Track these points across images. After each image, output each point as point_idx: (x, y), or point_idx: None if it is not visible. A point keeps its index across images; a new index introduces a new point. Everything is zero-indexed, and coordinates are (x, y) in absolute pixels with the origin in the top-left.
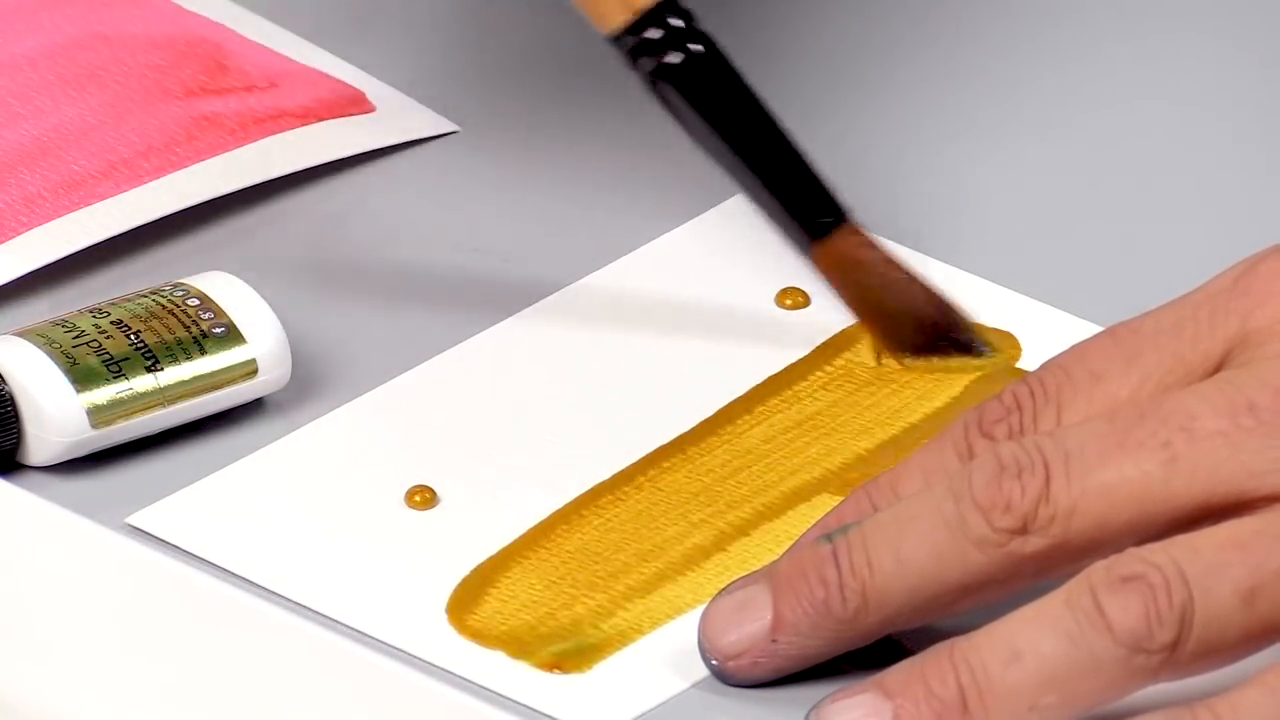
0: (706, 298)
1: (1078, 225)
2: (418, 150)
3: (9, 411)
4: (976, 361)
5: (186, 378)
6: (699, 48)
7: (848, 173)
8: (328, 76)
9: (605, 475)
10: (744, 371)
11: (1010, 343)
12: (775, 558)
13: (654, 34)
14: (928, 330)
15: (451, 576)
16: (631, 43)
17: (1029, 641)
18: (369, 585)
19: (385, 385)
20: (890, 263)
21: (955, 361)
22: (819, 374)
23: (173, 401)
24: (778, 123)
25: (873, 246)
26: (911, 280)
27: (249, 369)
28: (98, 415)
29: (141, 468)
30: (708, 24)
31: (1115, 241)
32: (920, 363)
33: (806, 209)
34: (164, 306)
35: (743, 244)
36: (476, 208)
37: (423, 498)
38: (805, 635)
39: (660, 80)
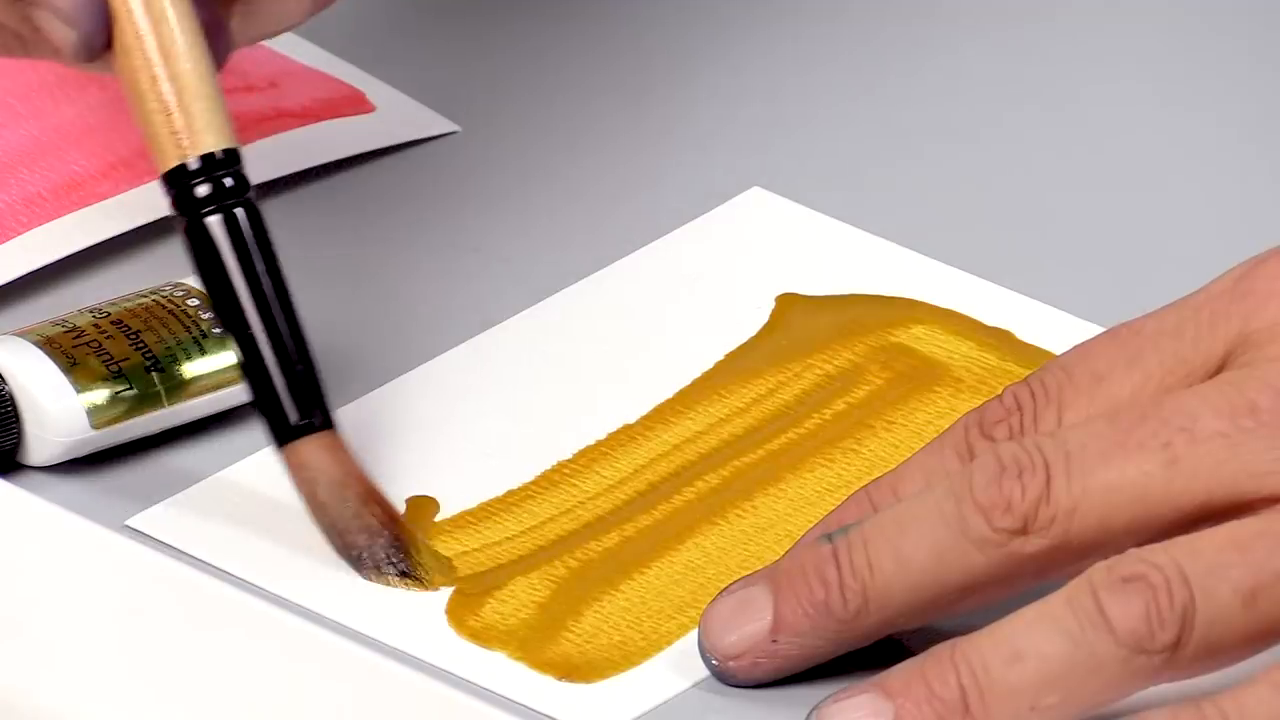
0: (707, 299)
1: (1078, 225)
2: (418, 150)
3: (9, 411)
4: (401, 583)
5: (186, 378)
6: (238, 212)
7: (848, 173)
8: (328, 76)
9: (606, 476)
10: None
11: (1010, 341)
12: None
13: (202, 188)
14: (355, 555)
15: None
16: (177, 189)
17: (1030, 642)
18: (369, 586)
19: (385, 385)
20: (346, 485)
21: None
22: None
23: (173, 402)
24: (292, 314)
25: (337, 460)
26: (354, 503)
27: None
28: (98, 415)
29: (141, 468)
30: (710, 23)
31: (1115, 241)
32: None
33: (278, 409)
34: (164, 306)
35: (743, 245)
36: (476, 208)
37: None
38: (805, 635)
39: (188, 234)
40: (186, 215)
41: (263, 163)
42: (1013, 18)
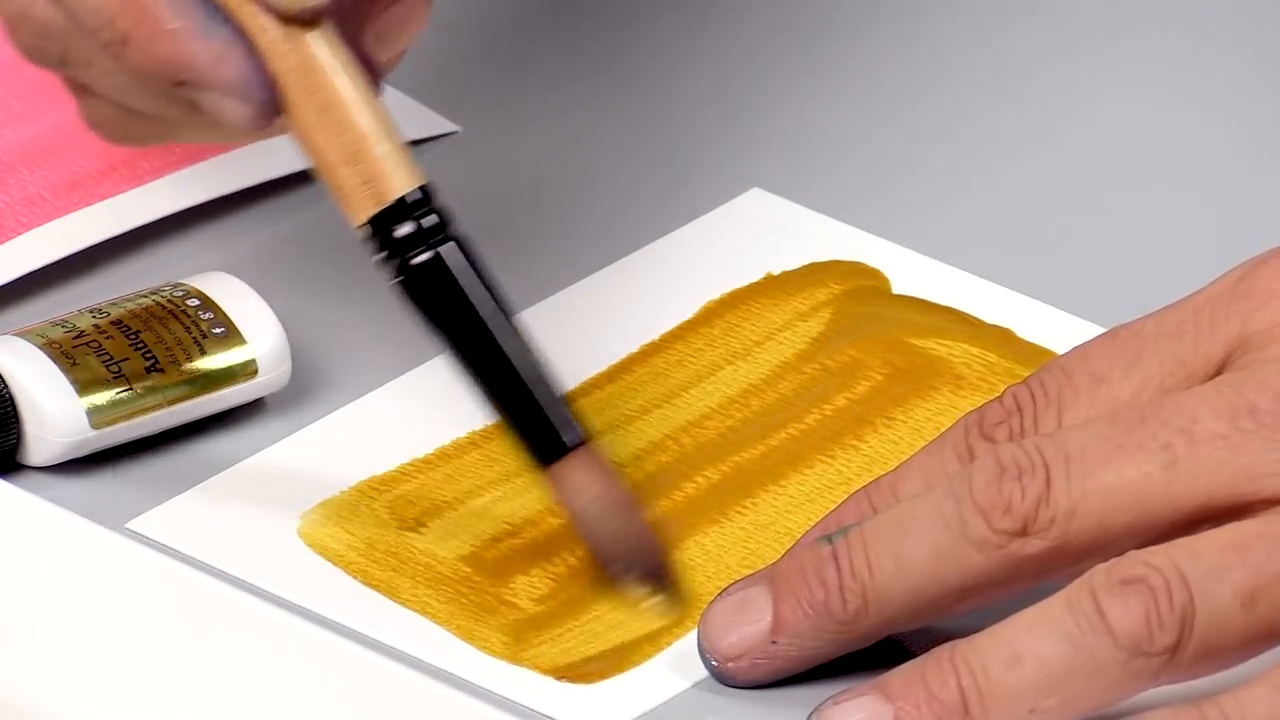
0: (707, 298)
1: (1078, 225)
2: (418, 150)
3: (9, 411)
4: (651, 601)
5: (186, 378)
6: (447, 248)
7: (848, 173)
8: None
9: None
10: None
11: (1010, 340)
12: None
13: (403, 230)
14: (618, 570)
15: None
16: (379, 239)
17: (1030, 644)
18: (370, 586)
19: (385, 385)
20: (610, 499)
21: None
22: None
23: (173, 402)
24: (521, 335)
25: (597, 480)
26: (620, 517)
27: (249, 369)
28: (98, 415)
29: (141, 468)
30: (710, 24)
31: (1115, 241)
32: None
33: (537, 433)
34: (164, 306)
35: (743, 245)
36: (476, 208)
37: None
38: (805, 636)
39: (401, 279)
40: (395, 261)
41: (263, 163)
42: (1013, 18)
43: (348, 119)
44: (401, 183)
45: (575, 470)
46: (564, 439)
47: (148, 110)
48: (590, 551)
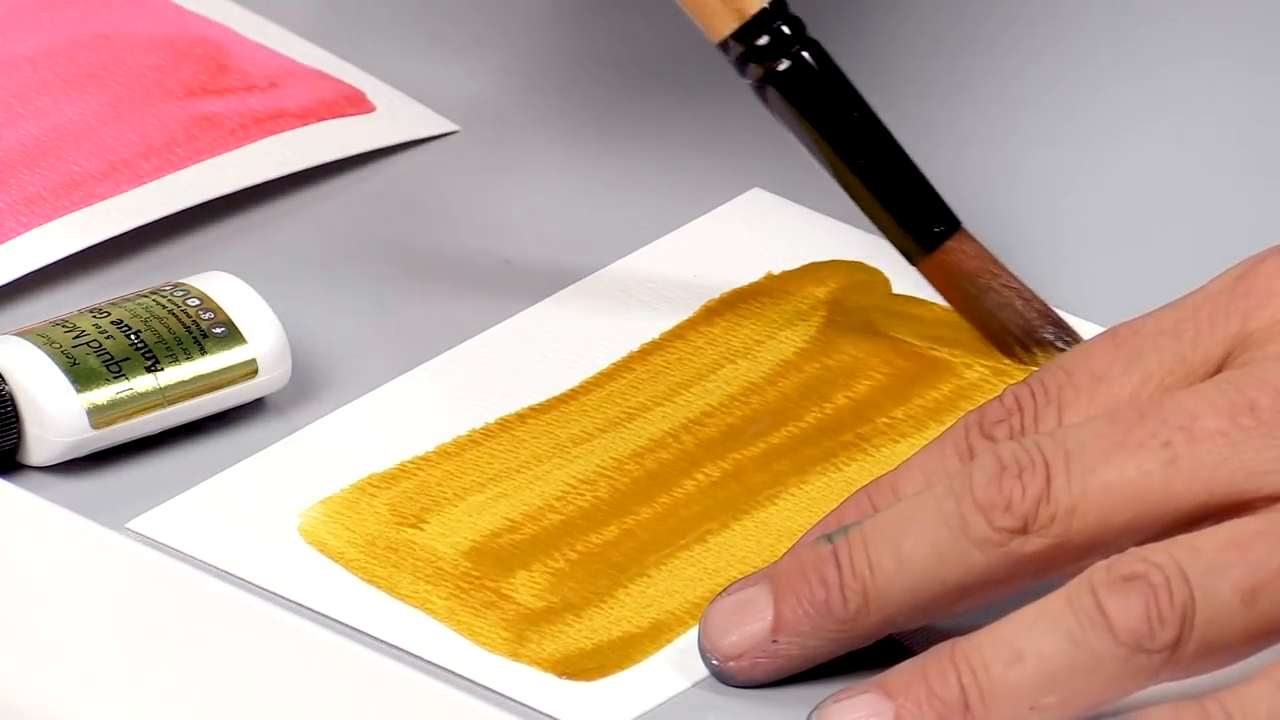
0: (708, 298)
1: (1078, 225)
2: (418, 150)
3: (9, 411)
4: None
5: (186, 378)
6: (807, 55)
7: None
8: (328, 76)
9: (603, 466)
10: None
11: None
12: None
13: (763, 40)
14: (1028, 337)
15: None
16: (739, 50)
17: (1030, 641)
18: (369, 586)
19: (385, 385)
20: (992, 273)
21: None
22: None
23: (173, 402)
24: (885, 131)
25: (979, 256)
26: (1011, 288)
27: (249, 369)
28: (98, 415)
29: (141, 468)
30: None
31: (1115, 241)
32: (1027, 359)
33: (915, 220)
34: (164, 306)
35: (743, 245)
36: (476, 208)
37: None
38: (805, 636)
39: (768, 86)
40: (761, 69)
41: (263, 163)
42: (1014, 18)
43: None
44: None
45: (960, 252)
46: (945, 224)
47: None
48: (991, 326)
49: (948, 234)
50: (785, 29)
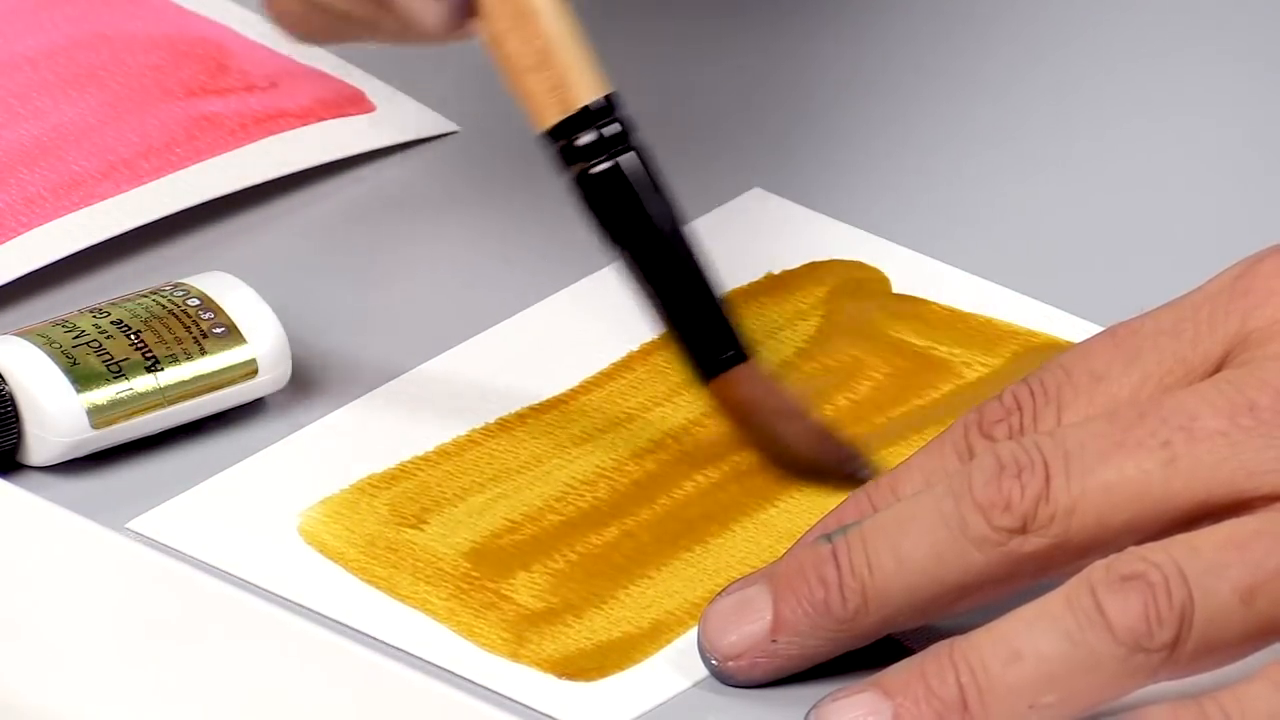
0: None
1: (1077, 225)
2: (418, 150)
3: (9, 411)
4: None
5: (186, 378)
6: (624, 160)
7: (848, 173)
8: (328, 76)
9: (602, 466)
10: None
11: (1008, 339)
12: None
13: (585, 139)
14: (814, 470)
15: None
16: (560, 144)
17: (1029, 641)
18: (369, 586)
19: (385, 385)
20: (778, 405)
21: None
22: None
23: (173, 402)
24: (693, 248)
25: (764, 387)
26: (798, 420)
27: (249, 369)
28: (98, 415)
29: (141, 468)
30: (710, 23)
31: (1115, 241)
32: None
33: (701, 345)
34: (164, 306)
35: (743, 245)
36: (476, 208)
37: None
38: (805, 635)
39: (579, 187)
40: (575, 169)
41: (263, 163)
42: (1013, 18)
43: (539, 26)
44: (587, 91)
45: (745, 380)
46: (733, 350)
47: (338, 4)
48: (777, 455)
49: (735, 362)
50: (605, 131)
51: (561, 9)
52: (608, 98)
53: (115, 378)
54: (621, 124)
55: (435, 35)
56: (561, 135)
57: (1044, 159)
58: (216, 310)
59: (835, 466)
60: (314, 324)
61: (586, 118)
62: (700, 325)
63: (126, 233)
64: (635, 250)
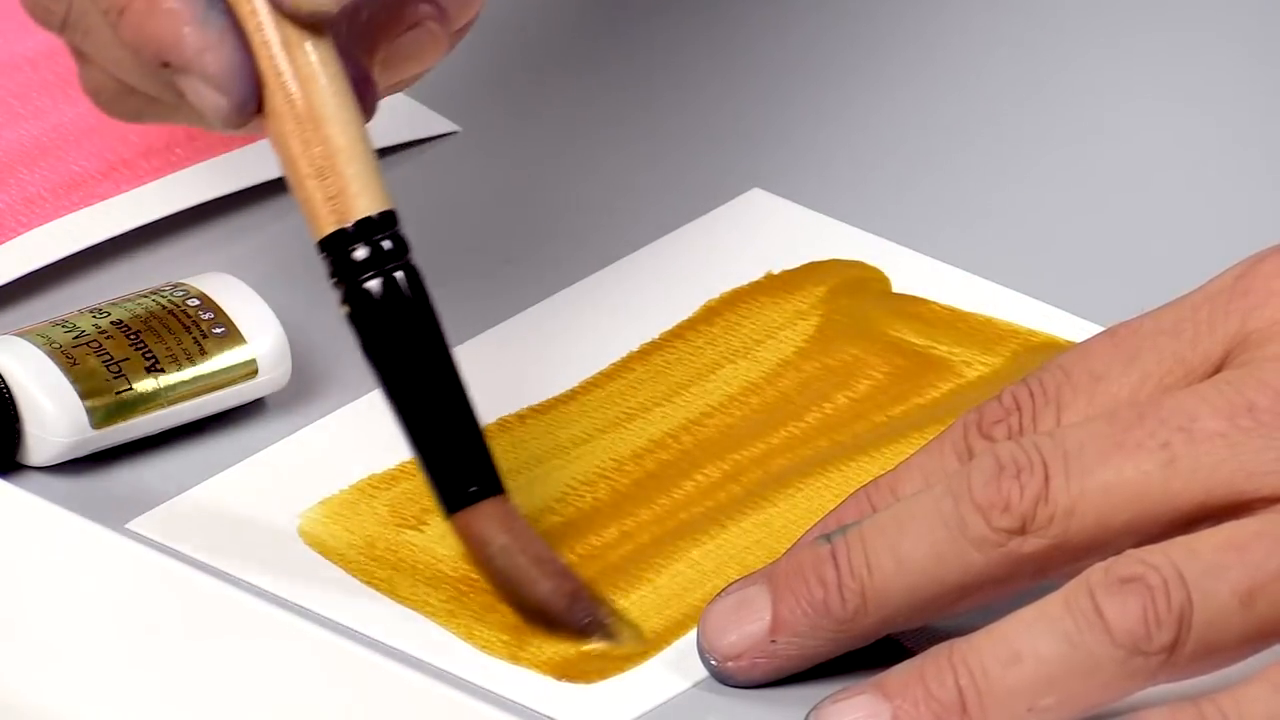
0: (708, 298)
1: (1078, 225)
2: (418, 150)
3: (9, 411)
4: (606, 645)
5: (187, 378)
6: (399, 275)
7: (848, 173)
8: None
9: (601, 467)
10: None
11: (1009, 338)
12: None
13: (359, 253)
14: (546, 619)
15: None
16: (334, 255)
17: (1028, 643)
18: (368, 586)
19: None
20: (520, 547)
21: (588, 644)
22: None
23: (173, 402)
24: (456, 373)
25: (508, 527)
26: (541, 564)
27: (249, 369)
28: (98, 415)
29: (142, 468)
30: (711, 24)
31: (1115, 241)
32: (554, 643)
33: (446, 477)
34: (164, 307)
35: (743, 245)
36: (476, 208)
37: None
38: (804, 636)
39: (346, 302)
40: (345, 282)
41: (263, 163)
42: (1013, 18)
43: (322, 133)
44: (366, 205)
45: (489, 516)
46: (475, 488)
47: (138, 86)
48: (513, 597)
49: (480, 496)
50: (381, 246)
51: (350, 118)
52: (385, 213)
53: (115, 378)
54: (396, 241)
55: (222, 126)
56: (335, 247)
57: (1044, 159)
58: (216, 310)
59: (569, 618)
60: (314, 324)
61: (362, 231)
62: (450, 455)
63: (126, 233)
64: (392, 370)
